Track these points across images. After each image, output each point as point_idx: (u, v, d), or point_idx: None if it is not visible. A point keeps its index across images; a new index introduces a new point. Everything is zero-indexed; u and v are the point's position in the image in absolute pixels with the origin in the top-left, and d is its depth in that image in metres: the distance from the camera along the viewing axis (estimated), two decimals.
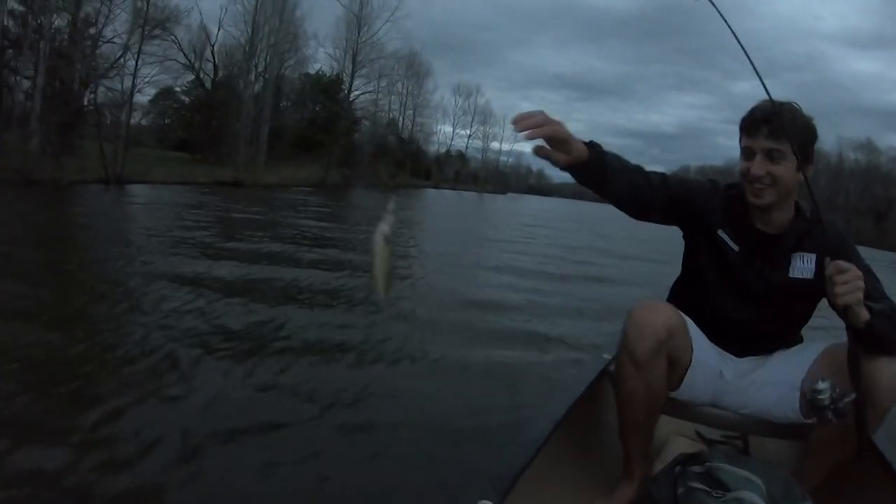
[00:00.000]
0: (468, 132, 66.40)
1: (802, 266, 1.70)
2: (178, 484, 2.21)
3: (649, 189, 1.67)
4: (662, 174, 1.75)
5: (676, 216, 1.78)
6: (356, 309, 5.12)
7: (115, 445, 2.43)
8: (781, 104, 1.63)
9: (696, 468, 1.51)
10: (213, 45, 35.38)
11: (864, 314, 1.44)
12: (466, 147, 67.28)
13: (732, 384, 1.77)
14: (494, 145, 70.91)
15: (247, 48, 33.91)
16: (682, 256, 1.90)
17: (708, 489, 1.43)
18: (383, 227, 1.14)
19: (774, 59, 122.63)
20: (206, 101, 34.09)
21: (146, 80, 26.71)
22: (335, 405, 3.11)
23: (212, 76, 35.71)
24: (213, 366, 3.42)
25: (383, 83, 45.34)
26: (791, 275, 1.70)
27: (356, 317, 4.89)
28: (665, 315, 1.64)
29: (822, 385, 1.45)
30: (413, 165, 51.75)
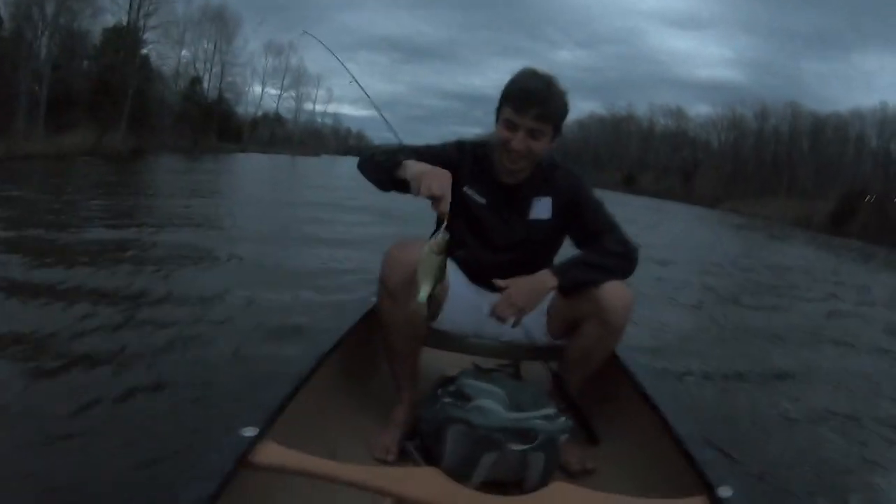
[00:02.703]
0: (278, 92, 64.20)
1: (540, 208, 2.06)
2: None
3: None
4: (414, 149, 2.02)
5: None
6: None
7: None
8: (550, 84, 1.91)
9: (451, 387, 1.82)
10: None
11: (551, 284, 1.87)
12: (277, 107, 65.22)
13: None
14: (308, 106, 69.75)
15: None
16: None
17: (455, 402, 1.74)
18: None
19: (597, 32, 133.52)
20: None
21: None
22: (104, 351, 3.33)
23: None
24: None
25: (179, 35, 42.49)
26: (531, 217, 2.05)
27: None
28: (417, 250, 1.85)
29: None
30: (221, 128, 49.44)
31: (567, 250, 2.11)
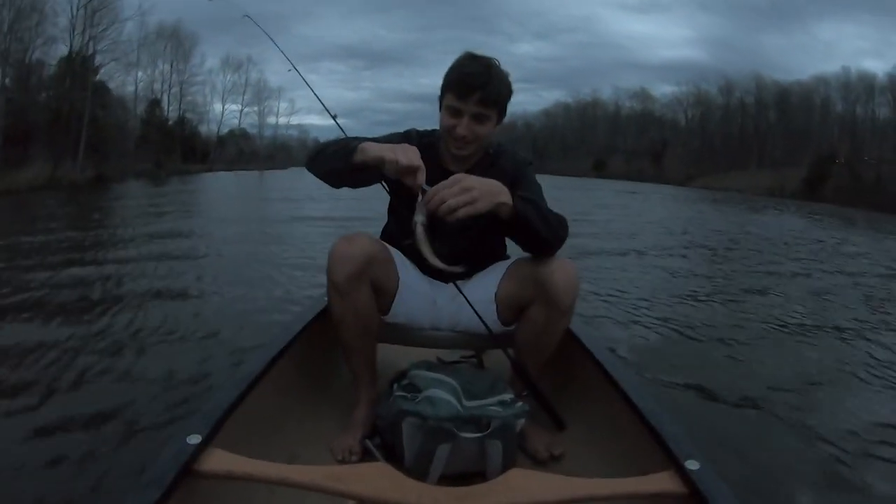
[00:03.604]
0: (240, 108, 63.16)
1: None
2: None
3: None
4: (363, 139, 1.89)
5: (379, 175, 1.95)
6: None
7: None
8: (490, 66, 1.90)
9: (404, 381, 1.80)
10: None
11: (505, 199, 1.70)
12: (239, 123, 64.22)
13: (445, 308, 2.06)
14: (272, 120, 69.08)
15: None
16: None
17: (406, 395, 1.71)
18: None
19: (554, 22, 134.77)
20: None
21: None
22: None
23: None
24: None
25: (133, 57, 41.93)
26: None
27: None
28: (362, 244, 1.85)
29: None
30: (185, 148, 48.82)
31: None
